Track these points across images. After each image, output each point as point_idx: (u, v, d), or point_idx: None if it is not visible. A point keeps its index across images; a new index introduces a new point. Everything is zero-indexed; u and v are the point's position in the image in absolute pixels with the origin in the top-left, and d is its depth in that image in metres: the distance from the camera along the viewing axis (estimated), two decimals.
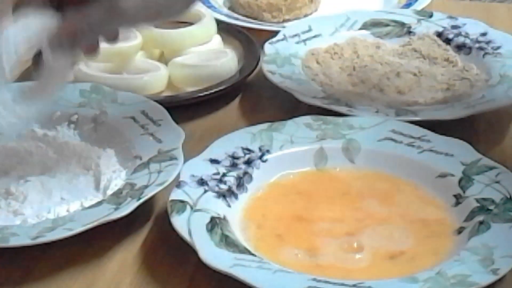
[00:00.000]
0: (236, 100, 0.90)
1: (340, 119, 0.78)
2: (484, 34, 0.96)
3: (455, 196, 0.71)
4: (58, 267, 0.67)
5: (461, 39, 0.96)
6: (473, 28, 0.97)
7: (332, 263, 0.65)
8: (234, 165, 0.73)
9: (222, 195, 0.71)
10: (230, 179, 0.72)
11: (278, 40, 0.95)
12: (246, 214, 0.70)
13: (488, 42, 0.95)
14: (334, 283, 0.61)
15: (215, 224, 0.67)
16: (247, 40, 0.97)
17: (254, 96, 0.91)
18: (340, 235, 0.68)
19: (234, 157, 0.74)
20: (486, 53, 0.93)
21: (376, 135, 0.77)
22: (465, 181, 0.72)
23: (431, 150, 0.75)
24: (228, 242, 0.65)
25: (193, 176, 0.71)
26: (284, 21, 1.07)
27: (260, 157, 0.75)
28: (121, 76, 0.89)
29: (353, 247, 0.67)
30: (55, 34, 0.66)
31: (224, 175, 0.72)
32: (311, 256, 0.66)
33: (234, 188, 0.72)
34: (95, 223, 0.66)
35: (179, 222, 0.66)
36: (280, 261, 0.64)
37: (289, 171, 0.75)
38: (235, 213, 0.70)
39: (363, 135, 0.77)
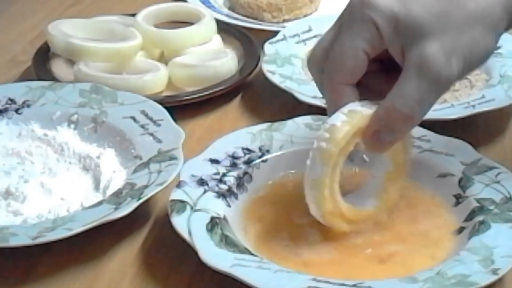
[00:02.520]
0: (236, 100, 0.90)
1: None
2: None
3: (455, 196, 0.71)
4: (58, 267, 0.67)
5: None
6: None
7: (332, 262, 0.65)
8: (234, 165, 0.73)
9: (222, 195, 0.71)
10: (230, 179, 0.72)
11: (278, 40, 0.95)
12: (246, 214, 0.70)
13: None
14: (334, 283, 0.61)
15: (215, 224, 0.67)
16: (247, 40, 0.97)
17: (254, 96, 0.91)
18: (339, 235, 0.68)
19: (234, 157, 0.74)
20: None
21: None
22: (465, 181, 0.72)
23: (431, 150, 0.75)
24: (228, 242, 0.65)
25: (193, 176, 0.71)
26: (284, 21, 1.07)
27: (260, 157, 0.75)
28: (121, 76, 0.89)
29: (352, 247, 0.67)
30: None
31: (224, 175, 0.72)
32: (311, 256, 0.66)
33: (234, 188, 0.72)
34: (95, 223, 0.66)
35: (179, 222, 0.66)
36: (280, 261, 0.64)
37: (289, 171, 0.75)
38: (235, 213, 0.70)
39: None
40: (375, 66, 0.66)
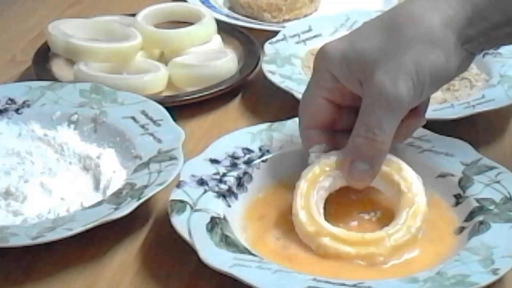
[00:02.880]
0: (236, 100, 0.90)
1: None
2: None
3: (455, 196, 0.71)
4: (58, 267, 0.67)
5: None
6: None
7: (330, 262, 0.65)
8: (234, 165, 0.73)
9: (222, 195, 0.71)
10: (230, 179, 0.72)
11: (278, 40, 0.95)
12: (246, 214, 0.70)
13: None
14: (334, 283, 0.61)
15: (215, 224, 0.67)
16: (247, 40, 0.97)
17: (254, 96, 0.91)
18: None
19: (234, 157, 0.74)
20: (486, 53, 0.93)
21: None
22: (465, 181, 0.72)
23: (431, 150, 0.75)
24: (228, 242, 0.65)
25: (193, 176, 0.71)
26: (284, 21, 1.07)
27: (260, 157, 0.75)
28: (121, 76, 0.89)
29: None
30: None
31: (224, 175, 0.72)
32: (310, 256, 0.66)
33: (234, 188, 0.72)
34: (95, 223, 0.66)
35: (179, 222, 0.66)
36: (279, 261, 0.64)
37: (289, 171, 0.75)
38: (235, 213, 0.70)
39: None
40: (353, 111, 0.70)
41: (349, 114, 0.71)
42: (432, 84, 0.67)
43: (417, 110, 0.70)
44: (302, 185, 0.68)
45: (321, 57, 0.69)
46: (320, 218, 0.67)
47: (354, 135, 0.67)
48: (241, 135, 0.77)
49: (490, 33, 0.68)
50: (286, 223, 0.69)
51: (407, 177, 0.68)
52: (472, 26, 0.67)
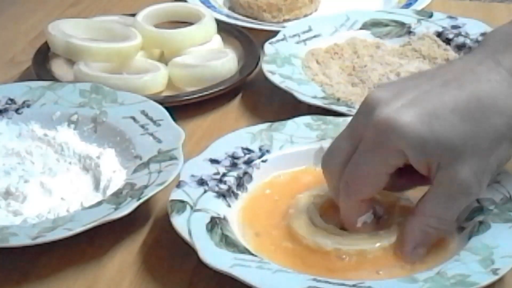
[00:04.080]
0: (236, 100, 0.90)
1: (340, 119, 0.78)
2: (484, 34, 0.96)
3: None
4: (58, 267, 0.67)
5: (461, 39, 0.96)
6: (473, 28, 0.97)
7: (330, 262, 0.65)
8: (234, 165, 0.73)
9: (222, 195, 0.70)
10: (230, 179, 0.72)
11: (278, 40, 0.95)
12: (246, 214, 0.70)
13: None
14: (334, 283, 0.61)
15: (215, 224, 0.67)
16: (247, 40, 0.97)
17: (254, 96, 0.91)
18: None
19: (234, 157, 0.74)
20: None
21: None
22: None
23: None
24: (228, 242, 0.65)
25: (193, 176, 0.71)
26: (284, 21, 1.07)
27: (260, 157, 0.75)
28: (121, 76, 0.89)
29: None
30: None
31: (224, 175, 0.72)
32: (310, 256, 0.66)
33: (234, 188, 0.72)
34: (95, 223, 0.66)
35: (179, 222, 0.66)
36: (279, 261, 0.64)
37: (289, 171, 0.75)
38: (235, 213, 0.70)
39: None
40: None
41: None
42: None
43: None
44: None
45: (392, 130, 0.62)
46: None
47: (426, 224, 0.65)
48: (241, 135, 0.77)
49: None
50: (286, 223, 0.69)
51: None
52: None
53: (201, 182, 0.71)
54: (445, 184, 0.63)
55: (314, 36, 0.97)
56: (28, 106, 0.82)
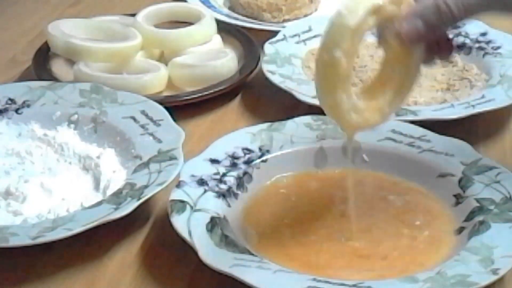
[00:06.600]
0: (236, 100, 0.90)
1: None
2: (484, 34, 0.96)
3: (455, 196, 0.71)
4: (58, 267, 0.67)
5: (461, 39, 0.96)
6: (473, 28, 0.97)
7: (330, 262, 0.65)
8: (234, 165, 0.73)
9: (222, 195, 0.71)
10: (230, 179, 0.72)
11: (278, 40, 0.95)
12: (246, 214, 0.70)
13: (488, 42, 0.95)
14: (334, 283, 0.61)
15: (215, 224, 0.67)
16: (247, 40, 0.97)
17: (254, 96, 0.91)
18: (339, 235, 0.68)
19: (234, 157, 0.74)
20: (486, 53, 0.93)
21: (376, 135, 0.77)
22: (465, 181, 0.72)
23: (431, 150, 0.75)
24: (228, 242, 0.65)
25: (193, 176, 0.71)
26: (284, 21, 1.07)
27: (260, 157, 0.75)
28: (121, 76, 0.89)
29: (352, 248, 0.67)
30: None
31: (224, 175, 0.72)
32: (310, 256, 0.66)
33: (234, 188, 0.72)
34: (95, 223, 0.66)
35: (179, 222, 0.66)
36: (279, 261, 0.64)
37: (289, 171, 0.75)
38: (235, 213, 0.70)
39: (363, 135, 0.76)
40: None
41: None
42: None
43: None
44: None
45: None
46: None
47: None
48: (241, 135, 0.77)
49: None
50: (286, 223, 0.69)
51: None
52: None
53: (201, 182, 0.71)
54: None
55: (314, 36, 0.97)
56: (28, 106, 0.82)
